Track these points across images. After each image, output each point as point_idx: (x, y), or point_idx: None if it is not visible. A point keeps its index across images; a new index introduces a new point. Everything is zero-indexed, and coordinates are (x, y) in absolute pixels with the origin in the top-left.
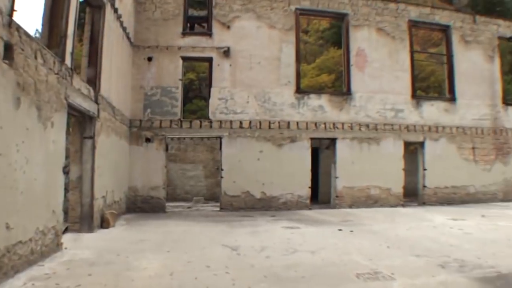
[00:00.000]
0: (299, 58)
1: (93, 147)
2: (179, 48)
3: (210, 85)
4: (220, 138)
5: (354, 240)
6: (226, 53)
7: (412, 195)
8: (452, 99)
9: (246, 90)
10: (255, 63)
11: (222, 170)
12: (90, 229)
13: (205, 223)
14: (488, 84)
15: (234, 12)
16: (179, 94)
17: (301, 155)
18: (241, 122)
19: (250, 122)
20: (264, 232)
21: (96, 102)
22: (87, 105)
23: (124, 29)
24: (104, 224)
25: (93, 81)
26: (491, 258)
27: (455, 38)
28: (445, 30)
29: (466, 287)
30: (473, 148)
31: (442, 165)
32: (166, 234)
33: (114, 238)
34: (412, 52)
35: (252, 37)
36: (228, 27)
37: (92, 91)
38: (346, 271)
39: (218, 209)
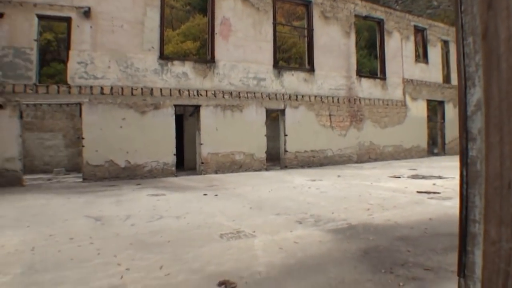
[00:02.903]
0: (163, 23)
1: None
2: (35, 4)
3: (68, 48)
4: (80, 104)
5: (219, 203)
6: (87, 13)
7: (275, 159)
8: (311, 70)
9: (108, 54)
10: (118, 26)
11: (83, 138)
12: None
13: (67, 195)
14: (345, 57)
15: None
16: (34, 56)
17: (165, 122)
18: (102, 88)
19: (111, 88)
20: (129, 201)
21: None
22: None
23: None
24: None
25: None
26: (343, 213)
27: (316, 13)
28: (307, 5)
29: (320, 238)
30: (330, 115)
31: (302, 131)
32: (24, 208)
33: None
34: (275, 24)
35: None
36: None
37: None
38: (211, 232)
39: (81, 180)
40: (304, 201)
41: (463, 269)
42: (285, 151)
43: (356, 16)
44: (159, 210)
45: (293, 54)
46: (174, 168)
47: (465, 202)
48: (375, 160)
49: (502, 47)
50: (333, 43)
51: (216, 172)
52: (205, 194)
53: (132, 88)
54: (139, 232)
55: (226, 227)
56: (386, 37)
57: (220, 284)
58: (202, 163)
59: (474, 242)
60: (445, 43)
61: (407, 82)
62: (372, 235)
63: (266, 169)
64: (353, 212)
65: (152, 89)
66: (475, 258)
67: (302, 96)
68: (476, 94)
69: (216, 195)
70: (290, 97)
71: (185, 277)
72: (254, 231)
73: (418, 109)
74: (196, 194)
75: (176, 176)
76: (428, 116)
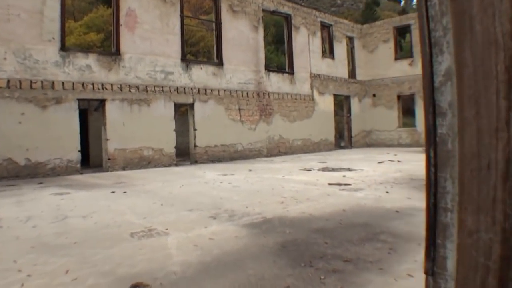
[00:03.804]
0: (64, 13)
1: None
2: None
3: None
4: None
5: (128, 200)
6: None
7: (185, 154)
8: (220, 64)
9: (4, 45)
10: (14, 15)
11: None
12: None
13: None
14: (253, 51)
15: None
16: None
17: (68, 117)
18: None
19: (8, 81)
20: (30, 201)
21: None
22: None
23: None
24: None
25: None
26: (257, 207)
27: (224, 7)
28: None
29: (236, 233)
30: (240, 109)
31: (212, 125)
32: None
33: None
34: (182, 16)
35: None
36: None
37: None
38: (120, 231)
39: None
40: (217, 196)
41: (431, 266)
42: (195, 146)
43: (264, 10)
44: (64, 210)
45: (201, 48)
46: (79, 165)
47: (434, 188)
48: (285, 153)
49: (475, 7)
50: (242, 37)
51: (124, 169)
52: (113, 192)
53: (31, 81)
54: (42, 234)
55: (137, 225)
56: (293, 33)
57: (133, 287)
58: (109, 159)
59: (445, 234)
60: (350, 39)
61: (314, 77)
62: (289, 228)
63: (176, 165)
64: (267, 205)
65: (53, 82)
66: (447, 252)
67: (211, 90)
68: (444, 62)
69: (124, 192)
70: (199, 91)
71: (95, 281)
72: (167, 229)
73: (326, 104)
74: (104, 191)
75: (81, 173)
76: (334, 111)
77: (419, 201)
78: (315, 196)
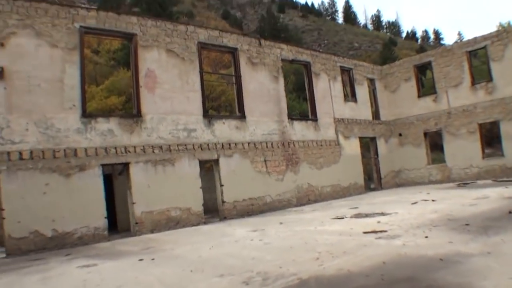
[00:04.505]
0: (84, 80)
1: None
2: None
3: None
4: None
5: (156, 269)
6: (0, 74)
7: (213, 211)
8: (243, 116)
9: (26, 116)
10: (35, 85)
11: (3, 210)
12: None
13: None
14: (275, 102)
15: (10, 27)
16: None
17: (93, 183)
18: (21, 153)
19: (31, 152)
20: (56, 277)
21: None
22: None
23: None
24: None
25: None
26: (292, 265)
27: (243, 60)
28: (233, 52)
29: None
30: (265, 161)
31: (238, 179)
32: None
33: None
34: (202, 73)
35: (30, 57)
36: (2, 44)
37: None
38: None
39: (4, 255)
40: (248, 257)
41: None
42: (223, 201)
43: (283, 60)
44: (90, 285)
45: (223, 102)
46: (106, 232)
47: None
48: (315, 201)
49: None
50: (262, 88)
51: (152, 232)
52: (140, 260)
53: (54, 151)
54: None
55: None
56: (314, 79)
57: None
58: (137, 223)
59: None
60: (371, 81)
61: (338, 121)
62: None
63: (205, 223)
64: (302, 263)
65: (76, 149)
66: None
67: (235, 144)
68: None
69: (152, 259)
70: (223, 146)
71: None
72: None
73: (352, 147)
74: (131, 260)
75: (109, 240)
76: (361, 153)
77: (462, 244)
78: (351, 248)
